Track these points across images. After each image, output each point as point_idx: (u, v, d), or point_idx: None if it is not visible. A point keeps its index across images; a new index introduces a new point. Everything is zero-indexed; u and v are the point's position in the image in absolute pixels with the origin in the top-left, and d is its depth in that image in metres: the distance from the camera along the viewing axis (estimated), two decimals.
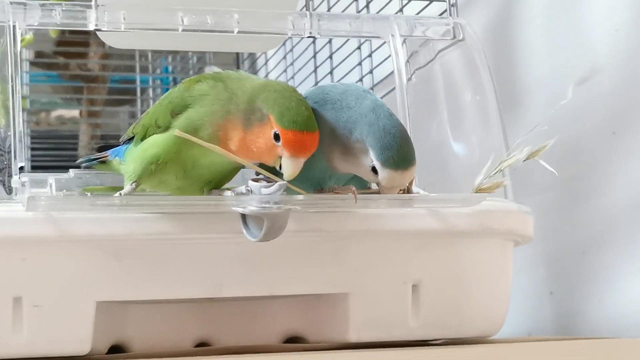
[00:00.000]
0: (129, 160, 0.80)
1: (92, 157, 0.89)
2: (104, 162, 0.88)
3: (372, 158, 0.76)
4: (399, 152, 0.75)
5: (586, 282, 1.09)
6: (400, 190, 0.79)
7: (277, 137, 0.73)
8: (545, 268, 1.17)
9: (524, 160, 0.83)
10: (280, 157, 0.73)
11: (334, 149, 0.78)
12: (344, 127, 0.78)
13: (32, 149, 1.60)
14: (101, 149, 0.90)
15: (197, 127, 0.75)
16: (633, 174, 1.02)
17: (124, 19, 0.84)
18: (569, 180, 1.12)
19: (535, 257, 1.16)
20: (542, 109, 1.15)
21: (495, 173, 0.81)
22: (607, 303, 1.06)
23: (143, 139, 0.79)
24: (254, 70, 1.72)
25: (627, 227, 1.03)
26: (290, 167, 0.73)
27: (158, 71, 1.84)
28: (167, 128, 0.77)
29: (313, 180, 0.80)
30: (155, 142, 0.77)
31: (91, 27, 0.83)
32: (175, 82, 1.82)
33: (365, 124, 0.77)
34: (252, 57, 1.69)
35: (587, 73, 0.83)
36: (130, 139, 0.83)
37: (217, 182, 0.79)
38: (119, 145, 0.87)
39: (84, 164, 0.90)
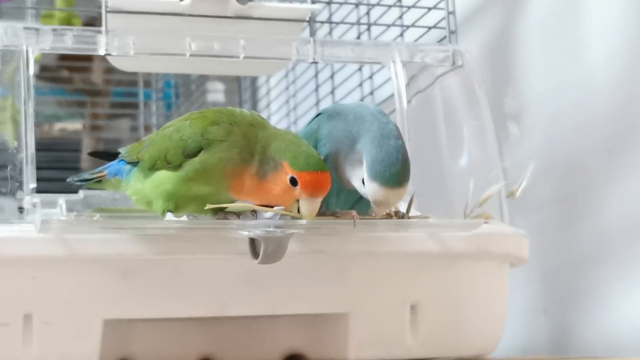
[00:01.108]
0: (140, 189, 0.81)
1: (87, 176, 0.89)
2: (99, 180, 0.88)
3: (363, 170, 0.78)
4: (389, 169, 0.77)
5: (581, 300, 1.10)
6: (392, 213, 0.80)
7: (293, 181, 0.75)
8: (541, 285, 1.18)
9: (507, 197, 0.84)
10: (298, 201, 0.75)
11: (341, 158, 0.81)
12: (351, 137, 0.80)
13: (35, 161, 1.60)
14: (94, 154, 0.93)
15: (211, 171, 0.77)
16: (628, 194, 1.03)
17: (134, 44, 0.85)
18: (564, 198, 1.13)
19: (530, 274, 1.17)
20: (539, 127, 1.16)
21: (481, 204, 0.83)
22: (601, 320, 1.07)
23: (150, 168, 0.80)
24: (254, 87, 1.72)
25: (622, 246, 1.04)
26: (309, 207, 0.75)
27: (160, 84, 1.84)
28: (178, 166, 0.78)
29: (341, 191, 0.82)
30: (168, 180, 0.78)
31: (101, 52, 0.85)
32: (177, 96, 1.83)
33: (368, 138, 0.79)
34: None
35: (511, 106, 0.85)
36: (133, 161, 0.83)
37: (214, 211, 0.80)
38: (112, 156, 0.87)
39: (78, 182, 0.89)
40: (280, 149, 0.76)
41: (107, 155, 0.88)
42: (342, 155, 0.80)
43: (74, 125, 1.79)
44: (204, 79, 1.67)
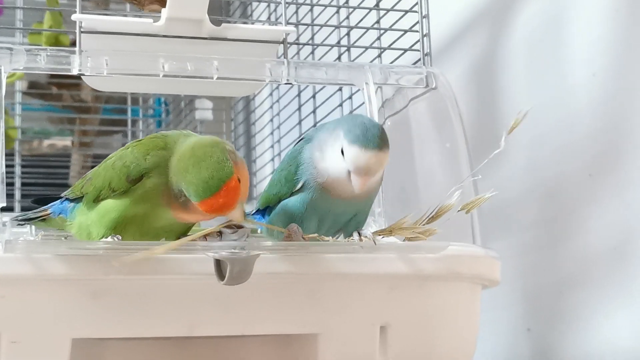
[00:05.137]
0: (83, 221, 0.81)
1: (32, 215, 0.89)
2: (44, 219, 0.88)
3: (343, 142, 0.78)
4: (367, 134, 0.77)
5: (563, 320, 1.10)
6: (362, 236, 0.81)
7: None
8: (524, 305, 1.18)
9: (459, 211, 0.84)
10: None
11: (316, 160, 0.82)
12: (327, 132, 0.81)
13: (23, 177, 1.61)
14: (38, 201, 0.91)
15: (153, 195, 0.78)
16: (609, 216, 1.04)
17: (107, 64, 0.86)
18: (547, 220, 1.13)
19: (514, 295, 1.18)
20: (522, 149, 1.17)
21: (429, 220, 0.83)
22: (583, 341, 1.07)
23: (95, 200, 0.80)
24: (246, 102, 1.73)
25: (603, 268, 1.04)
26: (232, 217, 0.75)
27: (151, 101, 1.85)
28: (123, 192, 0.78)
29: (320, 214, 0.83)
30: (113, 207, 0.79)
31: (75, 72, 0.85)
32: (167, 113, 1.84)
33: (344, 119, 0.81)
34: None
35: (515, 120, 0.85)
36: (77, 198, 0.84)
37: (176, 236, 0.81)
38: (57, 197, 0.88)
39: (22, 222, 0.89)
40: (178, 181, 0.76)
41: (52, 199, 0.88)
42: (319, 152, 0.81)
43: (63, 141, 1.80)
44: (193, 96, 1.68)
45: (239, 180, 0.74)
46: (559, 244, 1.11)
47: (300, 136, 0.87)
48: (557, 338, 1.11)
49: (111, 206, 0.79)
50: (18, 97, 1.64)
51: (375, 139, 0.77)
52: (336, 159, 0.79)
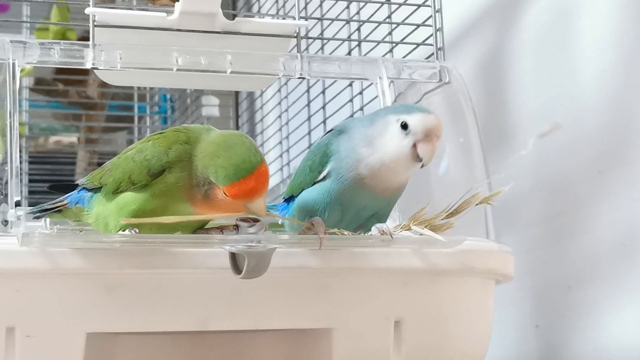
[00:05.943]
0: (101, 212, 0.81)
1: (48, 206, 0.88)
2: (60, 210, 0.88)
3: (400, 118, 0.80)
4: (419, 106, 0.81)
5: (571, 317, 1.10)
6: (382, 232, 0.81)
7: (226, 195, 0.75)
8: (532, 302, 1.18)
9: (477, 204, 0.84)
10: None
11: (362, 153, 0.82)
12: (368, 124, 0.82)
13: (30, 174, 1.61)
14: (53, 187, 0.90)
15: (175, 189, 0.77)
16: (617, 212, 1.04)
17: (120, 58, 0.86)
18: (555, 216, 1.13)
19: (521, 291, 1.18)
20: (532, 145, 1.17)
21: (449, 215, 0.82)
22: (591, 337, 1.07)
23: (114, 192, 0.80)
24: (251, 100, 1.73)
25: (611, 264, 1.04)
26: (253, 208, 0.75)
27: (156, 98, 1.85)
28: (143, 186, 0.78)
29: (344, 206, 0.84)
30: (133, 200, 0.78)
31: (88, 66, 0.85)
32: (173, 110, 1.84)
33: (383, 110, 0.83)
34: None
35: (550, 127, 0.84)
36: (95, 187, 0.83)
37: (192, 230, 0.81)
38: (72, 186, 0.87)
39: (37, 214, 0.89)
40: (205, 165, 0.76)
41: (67, 187, 0.88)
42: (360, 145, 0.82)
43: (69, 138, 1.81)
44: (199, 92, 1.68)
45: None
46: (568, 240, 1.11)
47: (327, 129, 0.88)
48: (565, 335, 1.11)
49: (130, 199, 0.78)
50: (25, 93, 1.64)
51: (427, 108, 0.81)
52: (396, 138, 0.81)
